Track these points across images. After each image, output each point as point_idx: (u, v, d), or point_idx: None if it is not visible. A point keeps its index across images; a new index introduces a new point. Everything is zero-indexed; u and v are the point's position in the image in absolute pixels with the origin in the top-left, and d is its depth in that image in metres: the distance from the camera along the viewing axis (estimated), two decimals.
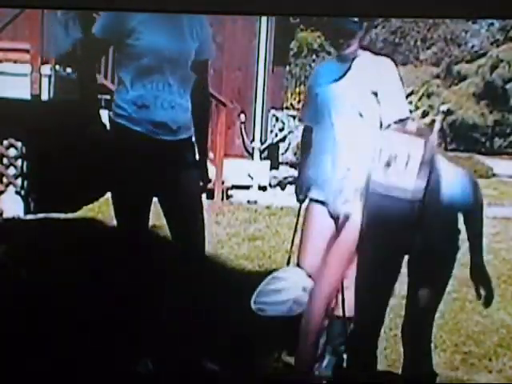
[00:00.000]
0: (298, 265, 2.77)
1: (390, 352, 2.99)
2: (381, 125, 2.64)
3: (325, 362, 2.79)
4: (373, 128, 2.63)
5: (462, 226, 2.45)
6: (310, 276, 2.65)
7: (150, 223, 2.63)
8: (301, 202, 2.86)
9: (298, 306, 2.62)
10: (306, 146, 2.86)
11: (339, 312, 2.67)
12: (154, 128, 2.46)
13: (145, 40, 2.41)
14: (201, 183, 2.68)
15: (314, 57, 12.13)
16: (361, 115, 2.62)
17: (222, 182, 7.31)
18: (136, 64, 2.44)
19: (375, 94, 2.62)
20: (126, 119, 2.46)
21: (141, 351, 2.55)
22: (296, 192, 2.90)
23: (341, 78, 2.61)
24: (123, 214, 2.55)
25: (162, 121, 2.46)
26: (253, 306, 2.65)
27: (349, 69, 2.61)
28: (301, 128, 3.12)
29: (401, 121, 2.66)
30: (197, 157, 2.66)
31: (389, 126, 2.65)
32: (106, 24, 2.49)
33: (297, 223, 2.88)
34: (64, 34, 6.24)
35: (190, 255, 2.55)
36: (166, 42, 2.44)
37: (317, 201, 2.72)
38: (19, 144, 6.31)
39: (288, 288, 2.67)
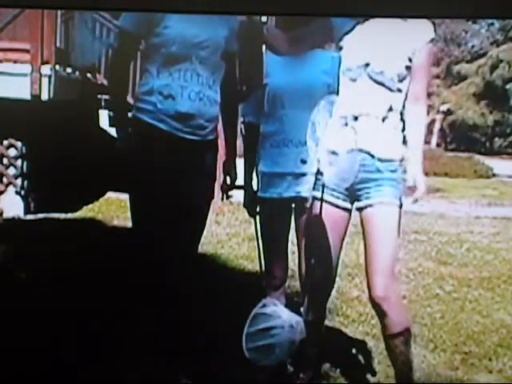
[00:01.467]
0: None
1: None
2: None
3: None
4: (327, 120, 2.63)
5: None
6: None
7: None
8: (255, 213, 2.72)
9: (292, 345, 2.57)
10: (251, 146, 2.70)
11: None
12: (179, 123, 2.36)
13: (174, 27, 2.32)
14: (228, 183, 2.60)
15: None
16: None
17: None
18: (163, 52, 2.34)
19: (328, 86, 2.59)
20: (151, 113, 2.37)
21: (142, 353, 2.54)
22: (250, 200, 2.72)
23: (295, 68, 2.51)
24: (142, 218, 2.49)
25: (188, 112, 2.36)
26: (246, 355, 2.60)
27: (303, 60, 2.54)
28: None
29: (346, 117, 2.66)
30: (224, 157, 2.57)
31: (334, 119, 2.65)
32: (135, 15, 2.36)
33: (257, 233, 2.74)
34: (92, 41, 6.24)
35: (185, 256, 2.53)
36: (195, 28, 2.35)
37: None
38: (19, 144, 6.32)
39: (276, 328, 2.61)
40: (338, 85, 2.50)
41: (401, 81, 2.37)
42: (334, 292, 3.93)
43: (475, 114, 18.81)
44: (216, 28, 2.41)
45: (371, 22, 2.36)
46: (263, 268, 2.74)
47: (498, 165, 12.74)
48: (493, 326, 3.51)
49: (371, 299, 2.40)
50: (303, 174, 2.61)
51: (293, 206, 2.66)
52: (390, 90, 2.37)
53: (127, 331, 2.48)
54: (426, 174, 2.48)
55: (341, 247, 2.47)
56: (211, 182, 2.55)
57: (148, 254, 2.49)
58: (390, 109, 2.38)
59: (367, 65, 2.36)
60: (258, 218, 2.73)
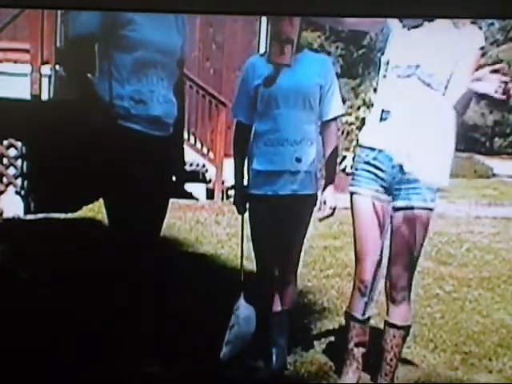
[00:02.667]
0: None
1: None
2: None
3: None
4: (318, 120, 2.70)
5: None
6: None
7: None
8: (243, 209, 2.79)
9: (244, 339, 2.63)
10: (242, 145, 2.78)
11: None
12: (150, 124, 2.43)
13: (140, 32, 2.36)
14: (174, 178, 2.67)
15: None
16: (311, 107, 2.65)
17: (222, 182, 7.32)
18: (131, 57, 2.38)
19: (320, 87, 2.65)
20: (125, 117, 2.41)
21: (143, 353, 2.55)
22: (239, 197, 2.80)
23: (290, 69, 2.56)
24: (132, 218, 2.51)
25: (157, 115, 2.43)
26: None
27: (298, 61, 2.58)
28: None
29: (336, 118, 2.73)
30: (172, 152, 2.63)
31: (327, 121, 2.71)
32: (96, 16, 2.34)
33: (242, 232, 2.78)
34: None
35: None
36: (159, 34, 2.40)
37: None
38: (19, 144, 6.32)
39: (234, 324, 2.67)
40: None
41: (447, 87, 2.40)
42: (333, 292, 3.96)
43: (475, 114, 18.82)
44: (173, 36, 2.47)
45: (424, 26, 2.38)
46: (247, 266, 2.77)
47: (498, 165, 12.75)
48: (493, 326, 3.51)
49: (393, 288, 2.48)
50: (298, 172, 2.65)
51: (290, 203, 2.68)
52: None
53: (127, 331, 2.49)
54: None
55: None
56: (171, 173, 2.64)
57: (147, 254, 2.50)
58: (433, 111, 2.40)
59: (417, 66, 2.40)
60: (246, 214, 2.76)
